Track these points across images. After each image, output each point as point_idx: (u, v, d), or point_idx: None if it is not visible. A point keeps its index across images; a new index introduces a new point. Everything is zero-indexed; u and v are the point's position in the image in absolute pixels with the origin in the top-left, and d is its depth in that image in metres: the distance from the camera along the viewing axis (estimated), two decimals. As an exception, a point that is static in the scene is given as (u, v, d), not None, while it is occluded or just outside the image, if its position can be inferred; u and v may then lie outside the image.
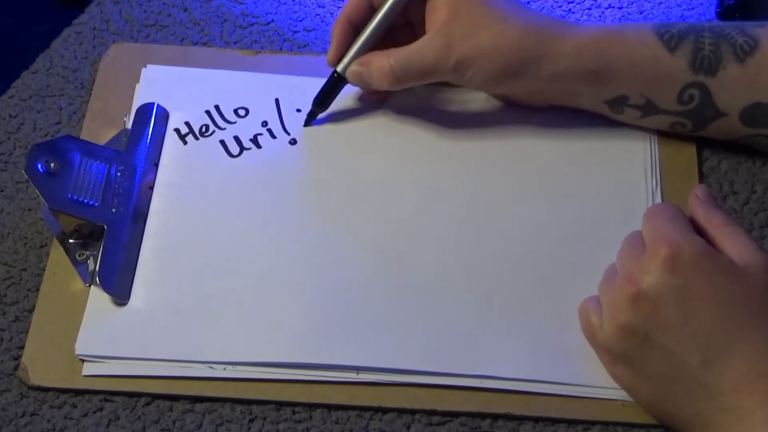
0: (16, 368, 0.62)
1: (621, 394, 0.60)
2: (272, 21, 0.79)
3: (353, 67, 0.68)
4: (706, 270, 0.56)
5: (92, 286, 0.64)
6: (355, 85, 0.70)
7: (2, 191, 0.70)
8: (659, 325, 0.56)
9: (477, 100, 0.72)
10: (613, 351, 0.58)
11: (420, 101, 0.72)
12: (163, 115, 0.72)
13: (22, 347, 0.63)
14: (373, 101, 0.72)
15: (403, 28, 0.70)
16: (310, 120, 0.71)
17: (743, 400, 0.54)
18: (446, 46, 0.65)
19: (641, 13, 0.79)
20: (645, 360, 0.57)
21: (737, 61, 0.65)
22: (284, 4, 0.80)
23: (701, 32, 0.66)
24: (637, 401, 0.59)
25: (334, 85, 0.70)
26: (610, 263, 0.61)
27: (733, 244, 0.58)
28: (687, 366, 0.55)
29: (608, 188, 0.68)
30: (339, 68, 0.69)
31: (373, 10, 0.68)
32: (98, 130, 0.71)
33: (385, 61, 0.66)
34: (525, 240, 0.66)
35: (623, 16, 0.79)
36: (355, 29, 0.69)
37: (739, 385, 0.54)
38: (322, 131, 0.72)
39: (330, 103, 0.71)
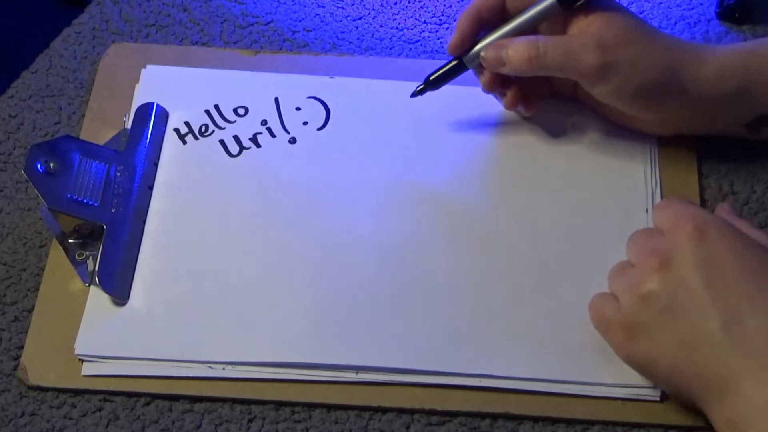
0: (15, 368, 0.62)
1: (621, 393, 0.60)
2: (272, 21, 0.79)
3: (490, 50, 0.66)
4: (731, 241, 0.57)
5: (92, 286, 0.64)
6: (486, 65, 0.67)
7: (2, 191, 0.70)
8: (682, 290, 0.56)
9: (479, 103, 0.72)
10: (633, 323, 0.58)
11: (421, 102, 0.72)
12: (163, 115, 0.72)
13: (21, 347, 0.63)
14: (510, 108, 0.70)
15: None
16: (417, 95, 0.70)
17: (763, 364, 0.54)
18: (598, 47, 0.64)
19: (641, 13, 0.79)
20: (666, 326, 0.57)
21: None
22: (284, 4, 0.80)
23: None
24: (654, 375, 0.59)
25: (454, 70, 0.69)
26: (615, 262, 0.61)
27: (757, 237, 0.59)
28: (708, 329, 0.56)
29: (608, 189, 0.68)
30: (465, 56, 0.68)
31: (503, 10, 0.68)
32: (98, 130, 0.71)
33: (531, 39, 0.65)
34: (524, 240, 0.66)
35: (623, 15, 0.79)
36: (483, 24, 0.68)
37: (760, 349, 0.55)
38: (322, 130, 0.72)
39: (443, 85, 0.70)
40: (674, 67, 0.64)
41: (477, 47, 0.68)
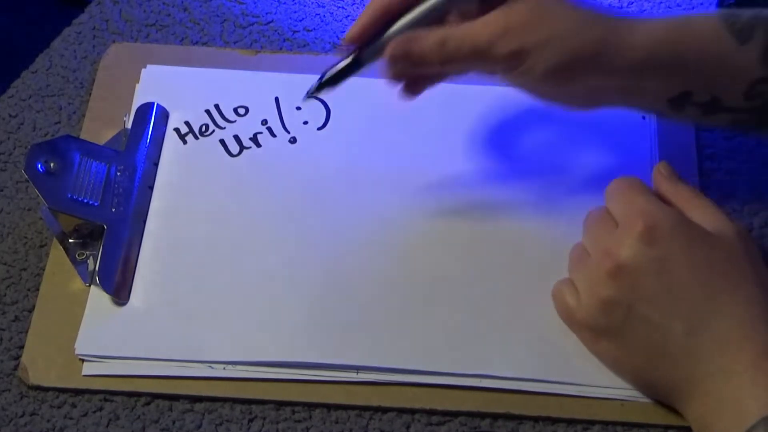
0: (15, 368, 0.62)
1: (621, 394, 0.60)
2: (272, 21, 0.79)
3: (397, 46, 0.61)
4: (683, 239, 0.57)
5: (92, 286, 0.64)
6: (392, 60, 0.61)
7: (2, 191, 0.70)
8: (642, 297, 0.56)
9: (478, 102, 0.72)
10: (596, 327, 0.59)
11: (421, 101, 0.72)
12: (163, 115, 0.72)
13: (21, 347, 0.63)
14: (406, 97, 0.65)
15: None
16: (311, 96, 0.64)
17: (729, 363, 0.54)
18: (505, 30, 0.59)
19: (641, 12, 0.79)
20: (629, 332, 0.57)
21: None
22: (284, 3, 0.80)
23: None
24: (622, 374, 0.60)
25: (352, 67, 0.63)
26: (575, 243, 0.62)
27: (704, 215, 0.59)
28: (672, 334, 0.56)
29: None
30: (365, 52, 0.62)
31: (408, 3, 0.62)
32: (98, 130, 0.71)
33: (438, 31, 0.60)
34: (524, 239, 0.66)
35: (623, 15, 0.79)
36: (388, 16, 0.62)
37: (724, 349, 0.55)
38: (323, 130, 0.72)
39: (340, 84, 0.63)
40: (597, 42, 0.60)
41: (381, 40, 0.61)
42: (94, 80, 0.75)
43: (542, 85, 0.62)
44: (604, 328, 0.58)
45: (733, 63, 0.61)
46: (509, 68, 0.61)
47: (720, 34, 0.61)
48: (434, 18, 0.62)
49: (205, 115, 0.72)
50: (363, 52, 0.62)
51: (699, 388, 0.56)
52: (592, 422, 0.60)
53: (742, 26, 0.61)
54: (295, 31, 0.78)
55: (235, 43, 0.77)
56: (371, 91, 0.73)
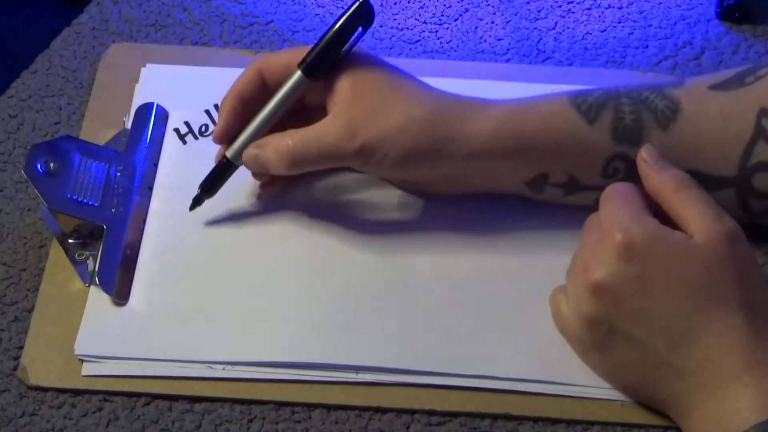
0: (15, 368, 0.62)
1: (621, 395, 0.60)
2: (272, 21, 0.79)
3: (249, 150, 0.63)
4: (661, 254, 0.55)
5: (92, 286, 0.64)
6: (250, 169, 0.65)
7: (2, 191, 0.70)
8: (622, 315, 0.56)
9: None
10: (582, 341, 0.59)
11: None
12: (163, 115, 0.72)
13: (21, 347, 0.63)
14: (267, 193, 0.68)
15: (299, 113, 0.65)
16: (195, 206, 0.66)
17: (711, 379, 0.54)
18: (348, 129, 0.60)
19: (641, 13, 0.79)
20: (614, 348, 0.57)
21: (660, 128, 0.61)
22: (284, 4, 0.80)
23: (619, 99, 0.61)
24: (613, 386, 0.60)
25: (224, 170, 0.65)
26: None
27: (691, 213, 0.56)
28: (655, 351, 0.56)
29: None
30: (229, 153, 0.64)
31: (265, 87, 0.64)
32: (98, 130, 0.71)
33: (282, 142, 0.61)
34: (524, 239, 0.66)
35: (623, 16, 0.79)
36: (246, 107, 0.64)
37: (707, 365, 0.54)
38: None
39: (218, 189, 0.66)
40: (437, 133, 0.61)
41: (236, 144, 0.64)
42: (93, 80, 0.75)
43: (396, 175, 0.65)
44: (590, 342, 0.59)
45: (584, 142, 0.61)
46: (361, 164, 0.62)
47: (567, 114, 0.62)
48: (289, 111, 0.64)
49: (205, 115, 0.72)
50: (229, 156, 0.65)
51: (686, 404, 0.56)
52: (592, 423, 0.60)
53: (589, 106, 0.61)
54: (294, 32, 0.78)
55: (235, 43, 0.77)
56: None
